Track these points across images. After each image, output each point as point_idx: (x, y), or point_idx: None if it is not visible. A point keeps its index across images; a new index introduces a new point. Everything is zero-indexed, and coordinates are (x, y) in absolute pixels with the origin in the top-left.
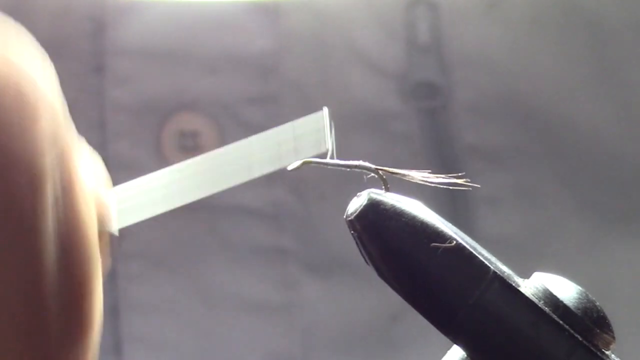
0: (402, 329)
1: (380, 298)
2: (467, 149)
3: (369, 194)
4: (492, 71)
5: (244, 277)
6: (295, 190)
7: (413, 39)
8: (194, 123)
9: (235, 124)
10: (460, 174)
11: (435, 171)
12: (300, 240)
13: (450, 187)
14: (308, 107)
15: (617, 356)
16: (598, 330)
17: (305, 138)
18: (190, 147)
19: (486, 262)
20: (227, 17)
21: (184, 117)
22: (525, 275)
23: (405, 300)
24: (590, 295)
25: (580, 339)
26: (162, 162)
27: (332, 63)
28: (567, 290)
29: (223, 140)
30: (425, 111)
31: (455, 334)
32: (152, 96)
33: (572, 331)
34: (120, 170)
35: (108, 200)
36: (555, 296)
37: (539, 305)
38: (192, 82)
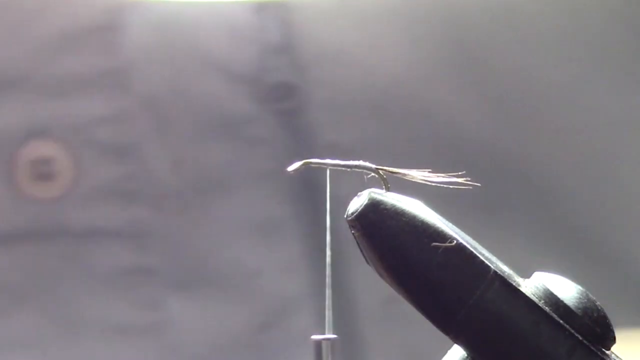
0: (271, 338)
1: (247, 309)
2: (327, 148)
3: (369, 193)
4: (347, 66)
5: (108, 301)
6: (154, 207)
7: (265, 41)
8: (46, 150)
9: (88, 147)
10: (460, 173)
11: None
12: (163, 258)
13: (452, 187)
14: (162, 121)
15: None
16: (598, 330)
17: None
18: (45, 174)
19: (487, 262)
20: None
21: (35, 144)
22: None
23: (406, 300)
24: (590, 295)
25: (581, 338)
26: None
27: (184, 73)
28: (567, 290)
29: (79, 164)
30: (283, 113)
31: (456, 334)
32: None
33: (572, 331)
34: None
35: None
36: (555, 296)
37: (540, 305)
38: (40, 108)
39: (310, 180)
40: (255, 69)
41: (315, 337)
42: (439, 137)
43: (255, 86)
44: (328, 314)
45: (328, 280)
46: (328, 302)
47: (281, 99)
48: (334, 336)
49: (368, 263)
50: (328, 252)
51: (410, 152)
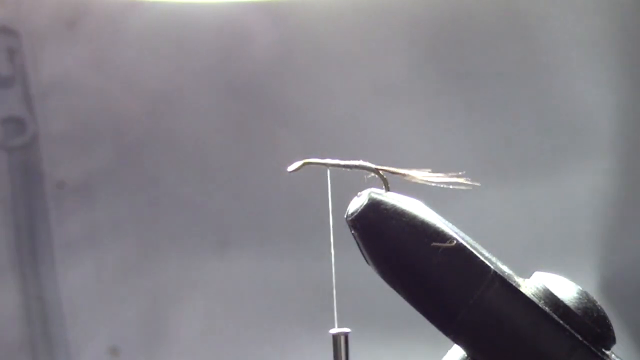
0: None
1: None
2: (57, 186)
3: (369, 193)
4: (82, 93)
5: None
6: None
7: None
8: None
9: None
10: (460, 173)
11: (24, 214)
12: None
13: (451, 187)
14: None
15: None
16: (598, 330)
17: None
18: None
19: (487, 262)
20: None
21: None
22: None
23: (406, 300)
24: (590, 295)
25: (581, 338)
26: None
27: None
28: (567, 290)
29: None
30: (15, 149)
31: (456, 334)
32: None
33: (572, 331)
34: None
35: None
36: (555, 296)
37: (540, 305)
38: None
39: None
40: None
41: (332, 331)
42: (192, 160)
43: None
44: (335, 309)
45: (333, 277)
46: (334, 298)
47: (14, 134)
48: (348, 330)
49: (368, 263)
50: (332, 251)
51: (145, 187)
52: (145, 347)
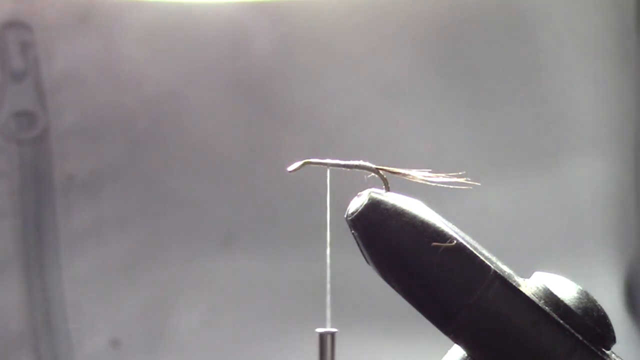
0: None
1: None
2: (66, 179)
3: (369, 193)
4: (93, 88)
5: None
6: None
7: (7, 66)
8: None
9: None
10: (460, 173)
11: (32, 206)
12: None
13: (451, 187)
14: None
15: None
16: (598, 330)
17: None
18: None
19: (487, 262)
20: None
21: None
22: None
23: (406, 300)
24: (590, 295)
25: (581, 338)
26: None
27: None
28: (567, 290)
29: None
30: (26, 143)
31: (456, 334)
32: None
33: (572, 330)
34: None
35: None
36: (555, 296)
37: (540, 305)
38: None
39: None
40: None
41: (319, 330)
42: (199, 158)
43: None
44: (328, 309)
45: (327, 277)
46: (328, 298)
47: (25, 128)
48: (335, 329)
49: (368, 263)
50: (328, 251)
51: (159, 178)
52: (146, 341)
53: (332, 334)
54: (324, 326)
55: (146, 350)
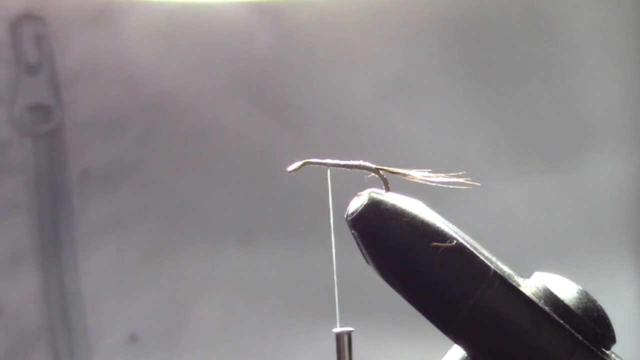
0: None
1: None
2: (82, 173)
3: (369, 193)
4: (108, 82)
5: None
6: None
7: (22, 59)
8: None
9: None
10: (461, 173)
11: (48, 200)
12: None
13: (451, 187)
14: None
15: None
16: (598, 330)
17: None
18: None
19: (487, 262)
20: None
21: None
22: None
23: (406, 300)
24: (590, 295)
25: (581, 338)
26: None
27: None
28: (567, 290)
29: None
30: (41, 136)
31: (456, 334)
32: None
33: (572, 330)
34: None
35: None
36: (555, 296)
37: (540, 305)
38: None
39: None
40: (11, 89)
41: (335, 330)
42: (217, 153)
43: (11, 109)
44: (337, 309)
45: (334, 277)
46: (336, 298)
47: (39, 121)
48: (352, 329)
49: (368, 263)
50: (333, 251)
51: (181, 172)
52: (164, 336)
53: (349, 334)
54: (341, 324)
55: (164, 345)
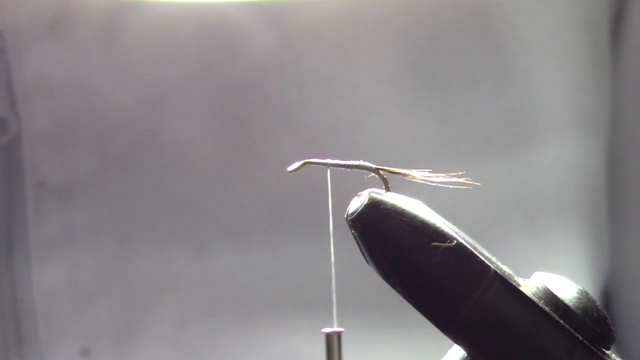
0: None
1: None
2: (37, 187)
3: (369, 193)
4: (65, 95)
5: None
6: None
7: None
8: None
9: None
10: (461, 173)
11: (2, 214)
12: None
13: (451, 186)
14: None
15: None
16: (598, 330)
17: None
18: None
19: (487, 262)
20: None
21: None
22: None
23: (406, 300)
24: (590, 295)
25: (581, 338)
26: None
27: None
28: (567, 290)
29: None
30: None
31: (456, 334)
32: None
33: (572, 331)
34: None
35: None
36: (555, 296)
37: (540, 305)
38: None
39: None
40: None
41: (325, 330)
42: (163, 164)
43: None
44: (334, 309)
45: (332, 276)
46: (334, 297)
47: None
48: (342, 329)
49: (368, 263)
50: (332, 251)
51: (127, 187)
52: (116, 349)
53: (339, 334)
54: (330, 324)
55: (116, 358)
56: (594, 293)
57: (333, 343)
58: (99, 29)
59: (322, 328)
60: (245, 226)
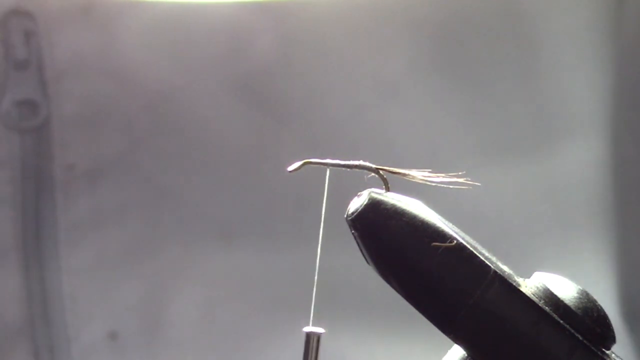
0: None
1: None
2: (66, 169)
3: (369, 193)
4: (95, 78)
5: None
6: None
7: (10, 54)
8: None
9: None
10: (460, 173)
11: (32, 196)
12: None
13: (451, 186)
14: None
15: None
16: (598, 330)
17: None
18: None
19: (487, 262)
20: None
21: None
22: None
23: (406, 300)
24: (590, 295)
25: (581, 338)
26: None
27: None
28: (567, 290)
29: None
30: (28, 132)
31: (456, 334)
32: None
33: (572, 331)
34: None
35: None
36: (555, 296)
37: (540, 305)
38: None
39: None
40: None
41: (306, 329)
42: (199, 153)
43: None
44: (312, 308)
45: (315, 277)
46: (314, 297)
47: (27, 117)
48: (323, 330)
49: (368, 263)
50: (318, 251)
51: (159, 169)
52: (143, 333)
53: (319, 335)
54: (317, 324)
55: (143, 342)
56: (615, 295)
57: (312, 343)
58: (129, 17)
59: (303, 327)
60: (272, 212)
